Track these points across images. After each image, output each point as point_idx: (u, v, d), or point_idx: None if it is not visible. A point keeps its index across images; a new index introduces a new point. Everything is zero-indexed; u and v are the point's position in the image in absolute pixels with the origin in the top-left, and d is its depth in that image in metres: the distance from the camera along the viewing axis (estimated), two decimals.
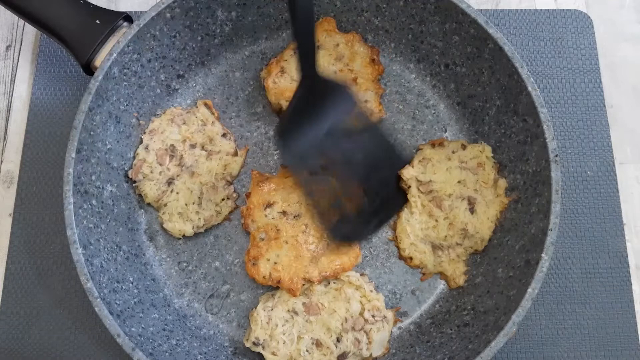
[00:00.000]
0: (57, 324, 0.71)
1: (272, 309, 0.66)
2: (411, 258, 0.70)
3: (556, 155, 0.63)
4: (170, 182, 0.71)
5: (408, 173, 0.70)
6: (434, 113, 0.77)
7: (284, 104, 0.74)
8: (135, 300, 0.65)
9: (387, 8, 0.75)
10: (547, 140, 0.64)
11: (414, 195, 0.69)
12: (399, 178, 0.70)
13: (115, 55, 0.66)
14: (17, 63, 0.82)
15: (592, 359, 0.70)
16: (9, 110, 0.80)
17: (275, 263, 0.67)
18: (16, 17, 0.82)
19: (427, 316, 0.69)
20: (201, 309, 0.70)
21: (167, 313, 0.68)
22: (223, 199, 0.72)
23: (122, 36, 0.67)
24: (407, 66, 0.78)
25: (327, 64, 0.75)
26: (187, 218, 0.70)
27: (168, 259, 0.72)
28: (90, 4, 0.70)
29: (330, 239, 0.68)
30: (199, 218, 0.70)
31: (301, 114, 0.66)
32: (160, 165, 0.72)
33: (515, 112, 0.68)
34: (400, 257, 0.71)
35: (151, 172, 0.71)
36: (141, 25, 0.68)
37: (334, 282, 0.67)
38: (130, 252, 0.69)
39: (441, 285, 0.71)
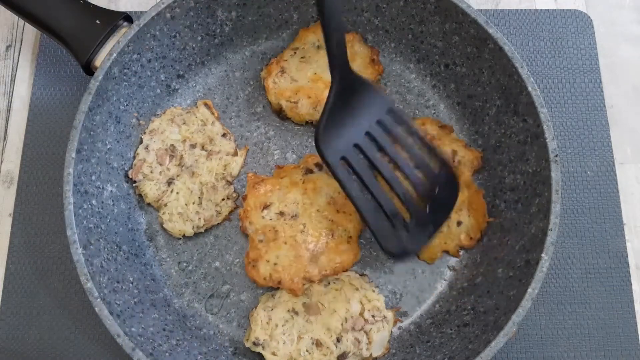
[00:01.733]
0: (57, 324, 0.71)
1: (272, 309, 0.66)
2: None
3: (556, 155, 0.63)
4: (170, 182, 0.71)
5: None
6: (434, 113, 0.77)
7: (284, 104, 0.74)
8: (135, 300, 0.65)
9: (387, 8, 0.75)
10: (547, 140, 0.64)
11: None
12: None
13: (115, 55, 0.66)
14: (17, 63, 0.82)
15: (592, 359, 0.70)
16: (9, 110, 0.80)
17: (275, 264, 0.67)
18: (16, 17, 0.82)
19: (427, 316, 0.69)
20: (201, 309, 0.70)
21: (167, 313, 0.68)
22: (223, 199, 0.72)
23: (122, 36, 0.67)
24: (407, 66, 0.78)
25: (326, 64, 0.75)
26: (187, 218, 0.70)
27: (168, 259, 0.72)
28: (90, 3, 0.70)
29: (388, 250, 0.64)
30: (199, 218, 0.70)
31: (339, 113, 0.64)
32: (160, 165, 0.72)
33: (515, 112, 0.68)
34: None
35: (151, 172, 0.71)
36: (141, 25, 0.68)
37: (334, 282, 0.67)
38: (130, 252, 0.69)
39: (441, 286, 0.71)
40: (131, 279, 0.67)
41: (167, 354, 0.62)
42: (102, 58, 0.67)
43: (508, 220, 0.69)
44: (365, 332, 0.65)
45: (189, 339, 0.66)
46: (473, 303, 0.67)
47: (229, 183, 0.73)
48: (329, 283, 0.67)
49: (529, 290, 0.59)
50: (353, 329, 0.65)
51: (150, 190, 0.71)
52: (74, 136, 0.64)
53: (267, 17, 0.77)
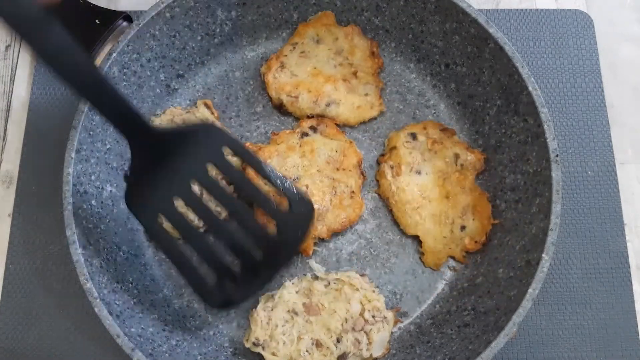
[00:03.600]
0: (57, 324, 0.71)
1: (272, 309, 0.66)
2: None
3: (557, 155, 0.63)
4: None
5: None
6: (434, 113, 0.77)
7: (285, 99, 0.74)
8: (134, 300, 0.65)
9: (387, 7, 0.75)
10: (547, 140, 0.64)
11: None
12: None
13: (114, 55, 0.66)
14: (17, 63, 0.82)
15: (593, 359, 0.70)
16: (8, 110, 0.80)
17: None
18: None
19: (427, 317, 0.69)
20: (201, 310, 0.70)
21: (166, 313, 0.67)
22: None
23: (122, 36, 0.67)
24: (408, 66, 0.78)
25: (326, 59, 0.76)
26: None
27: (168, 260, 0.71)
28: (89, 3, 0.70)
29: (210, 304, 0.61)
30: (198, 218, 0.70)
31: (147, 171, 0.57)
32: None
33: (516, 112, 0.68)
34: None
35: None
36: (141, 25, 0.68)
37: (334, 283, 0.67)
38: (130, 252, 0.69)
39: (441, 286, 0.70)
40: (131, 280, 0.66)
41: (166, 354, 0.62)
42: (102, 58, 0.67)
43: (509, 220, 0.68)
44: (365, 332, 0.65)
45: (188, 340, 0.66)
46: (473, 303, 0.66)
47: (229, 183, 0.73)
48: (329, 283, 0.67)
49: (530, 290, 0.59)
50: (353, 329, 0.65)
51: None
52: (74, 136, 0.64)
53: (266, 17, 0.77)
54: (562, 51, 0.81)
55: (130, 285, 0.66)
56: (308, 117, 0.75)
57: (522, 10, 0.84)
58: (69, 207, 0.62)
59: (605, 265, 0.73)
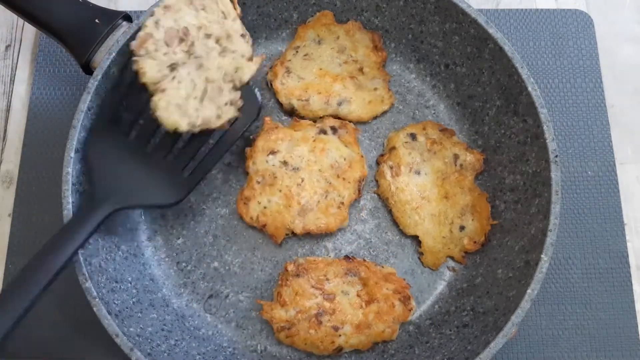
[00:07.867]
0: (57, 324, 0.71)
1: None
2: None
3: (556, 156, 0.63)
4: (173, 67, 0.64)
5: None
6: (434, 113, 0.77)
7: (296, 104, 0.74)
8: (133, 300, 0.65)
9: (387, 8, 0.75)
10: (547, 141, 0.64)
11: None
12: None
13: (114, 54, 0.66)
14: (17, 63, 0.82)
15: (593, 359, 0.70)
16: (8, 110, 0.80)
17: (264, 207, 0.69)
18: (16, 17, 0.82)
19: (426, 317, 0.69)
20: (200, 309, 0.70)
21: (165, 313, 0.67)
22: (226, 104, 0.65)
23: (122, 35, 0.67)
24: (407, 66, 0.78)
25: (330, 58, 0.76)
26: (185, 113, 0.63)
27: (167, 259, 0.71)
28: (89, 3, 0.70)
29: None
30: (197, 116, 0.64)
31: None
32: (168, 46, 0.64)
33: (515, 113, 0.68)
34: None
35: (156, 50, 0.63)
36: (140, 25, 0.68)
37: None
38: (129, 251, 0.69)
39: (441, 286, 0.70)
40: (130, 279, 0.66)
41: (165, 354, 0.62)
42: (101, 57, 0.67)
43: (508, 220, 0.68)
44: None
45: (187, 339, 0.66)
46: (472, 304, 0.66)
47: (236, 88, 0.66)
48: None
49: (529, 291, 0.59)
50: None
51: (151, 69, 0.63)
52: (73, 135, 0.64)
53: (266, 17, 0.77)
54: (562, 51, 0.81)
55: (129, 284, 0.66)
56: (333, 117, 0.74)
57: (522, 10, 0.83)
58: (69, 207, 0.62)
59: (605, 265, 0.73)
